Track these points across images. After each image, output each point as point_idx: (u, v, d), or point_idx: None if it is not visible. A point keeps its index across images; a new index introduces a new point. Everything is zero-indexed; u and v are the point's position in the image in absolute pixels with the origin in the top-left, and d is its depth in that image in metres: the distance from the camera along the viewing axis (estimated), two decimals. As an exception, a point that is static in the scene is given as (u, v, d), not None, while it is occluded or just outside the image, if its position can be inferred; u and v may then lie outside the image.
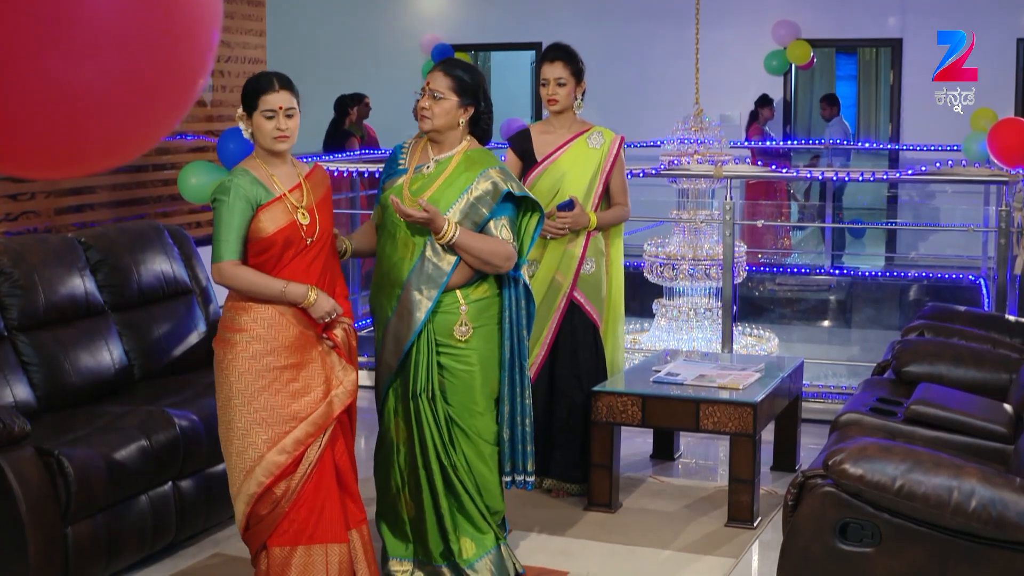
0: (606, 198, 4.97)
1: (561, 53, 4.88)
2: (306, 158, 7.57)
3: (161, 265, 5.19)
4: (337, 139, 10.62)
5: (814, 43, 12.09)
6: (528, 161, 4.93)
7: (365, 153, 9.97)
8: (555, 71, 4.86)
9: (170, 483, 4.38)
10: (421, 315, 3.92)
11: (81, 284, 4.80)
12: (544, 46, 12.80)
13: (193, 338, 5.22)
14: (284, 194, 3.71)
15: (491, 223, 3.97)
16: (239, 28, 7.76)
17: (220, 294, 5.71)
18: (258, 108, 3.67)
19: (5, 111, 1.74)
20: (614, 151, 4.93)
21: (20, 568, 3.81)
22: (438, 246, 3.91)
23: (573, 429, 5.00)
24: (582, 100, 4.93)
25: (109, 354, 4.79)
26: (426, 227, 3.88)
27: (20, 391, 4.40)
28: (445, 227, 3.87)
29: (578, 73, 4.88)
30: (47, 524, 3.85)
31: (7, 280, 4.54)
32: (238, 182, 3.66)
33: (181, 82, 1.93)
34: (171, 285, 5.22)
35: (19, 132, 1.79)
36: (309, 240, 3.73)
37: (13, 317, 4.52)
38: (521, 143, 4.98)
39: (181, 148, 7.35)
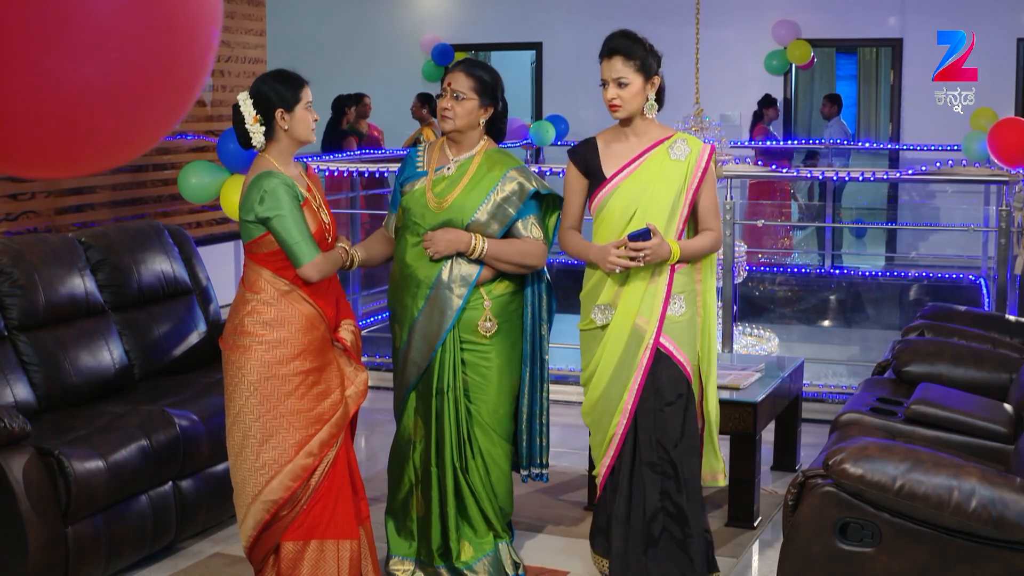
0: (691, 221, 3.99)
1: (618, 44, 3.87)
2: (307, 158, 7.58)
3: (161, 265, 5.19)
4: (335, 139, 10.65)
5: (814, 43, 12.09)
6: (595, 178, 3.95)
7: (364, 153, 9.98)
8: (612, 69, 3.85)
9: (170, 483, 4.37)
10: (452, 313, 3.95)
11: (81, 284, 4.80)
12: (544, 46, 12.98)
13: (193, 338, 5.22)
14: (308, 196, 3.73)
15: (519, 223, 4.00)
16: (239, 28, 7.76)
17: (221, 294, 5.72)
18: (301, 101, 3.70)
19: (5, 111, 1.74)
20: (703, 163, 3.91)
21: (20, 568, 3.81)
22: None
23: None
24: (655, 100, 3.91)
25: (109, 354, 4.79)
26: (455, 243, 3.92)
27: (20, 391, 4.40)
28: (472, 242, 3.91)
29: (645, 68, 3.85)
30: (47, 524, 3.85)
31: (7, 280, 4.54)
32: (283, 185, 3.63)
33: (181, 82, 1.93)
34: (171, 285, 5.22)
35: (19, 132, 1.79)
36: (329, 238, 3.77)
37: (13, 317, 4.52)
38: (585, 156, 3.97)
39: (181, 148, 7.35)
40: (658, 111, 3.94)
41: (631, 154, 3.92)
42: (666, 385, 3.86)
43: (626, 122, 3.92)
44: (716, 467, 4.07)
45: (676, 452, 3.86)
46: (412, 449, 4.08)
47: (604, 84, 3.88)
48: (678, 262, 3.86)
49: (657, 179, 3.88)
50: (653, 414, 3.87)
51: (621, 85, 3.84)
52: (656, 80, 3.88)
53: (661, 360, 3.86)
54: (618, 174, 3.91)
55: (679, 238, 3.89)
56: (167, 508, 4.34)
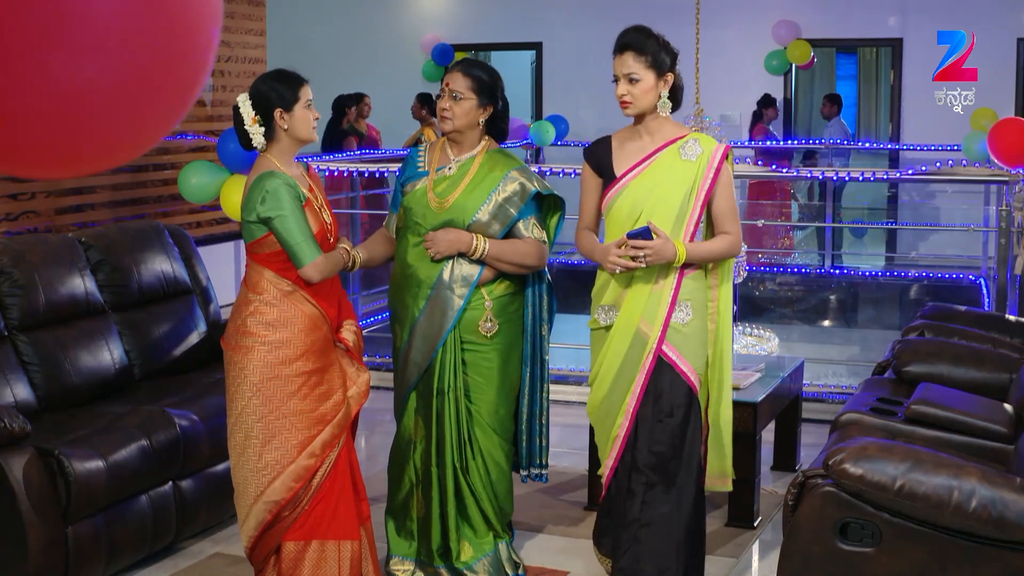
0: (708, 224, 3.87)
1: (630, 39, 3.74)
2: (306, 158, 7.58)
3: (161, 265, 5.19)
4: (335, 139, 10.66)
5: (814, 43, 12.09)
6: (607, 177, 3.84)
7: (364, 153, 9.98)
8: (623, 65, 3.72)
9: (170, 483, 4.37)
10: (454, 313, 3.95)
11: (81, 284, 4.80)
12: (544, 46, 12.98)
13: (193, 338, 5.22)
14: (310, 196, 3.72)
15: (520, 224, 4.01)
16: (239, 28, 7.76)
17: (221, 294, 5.71)
18: (300, 99, 3.69)
19: (6, 110, 1.74)
20: (716, 163, 3.77)
21: (21, 568, 3.81)
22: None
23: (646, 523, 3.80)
24: (668, 98, 3.78)
25: (109, 354, 4.79)
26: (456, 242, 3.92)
27: (20, 391, 4.40)
28: (473, 243, 3.92)
29: (658, 64, 3.72)
30: (47, 524, 3.85)
31: (7, 280, 4.54)
32: (285, 185, 3.62)
33: (182, 81, 1.93)
34: (171, 285, 5.22)
35: (19, 131, 1.79)
36: (331, 239, 3.76)
37: (13, 317, 4.52)
38: (599, 155, 3.88)
39: (181, 148, 7.35)
40: (674, 110, 3.81)
41: (642, 153, 3.80)
42: (667, 394, 3.73)
43: (639, 120, 3.81)
44: (725, 468, 3.96)
45: (671, 464, 3.74)
46: (412, 449, 4.08)
47: (615, 80, 3.75)
48: (686, 266, 3.72)
49: (665, 179, 3.76)
50: (651, 423, 3.75)
51: (632, 81, 3.71)
52: (670, 77, 3.75)
53: (664, 368, 3.73)
54: (627, 173, 3.79)
55: (691, 241, 3.74)
56: (167, 508, 4.34)
